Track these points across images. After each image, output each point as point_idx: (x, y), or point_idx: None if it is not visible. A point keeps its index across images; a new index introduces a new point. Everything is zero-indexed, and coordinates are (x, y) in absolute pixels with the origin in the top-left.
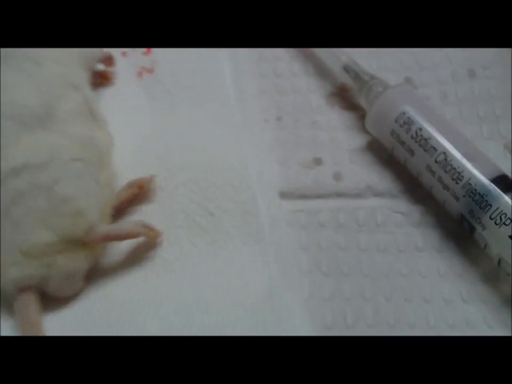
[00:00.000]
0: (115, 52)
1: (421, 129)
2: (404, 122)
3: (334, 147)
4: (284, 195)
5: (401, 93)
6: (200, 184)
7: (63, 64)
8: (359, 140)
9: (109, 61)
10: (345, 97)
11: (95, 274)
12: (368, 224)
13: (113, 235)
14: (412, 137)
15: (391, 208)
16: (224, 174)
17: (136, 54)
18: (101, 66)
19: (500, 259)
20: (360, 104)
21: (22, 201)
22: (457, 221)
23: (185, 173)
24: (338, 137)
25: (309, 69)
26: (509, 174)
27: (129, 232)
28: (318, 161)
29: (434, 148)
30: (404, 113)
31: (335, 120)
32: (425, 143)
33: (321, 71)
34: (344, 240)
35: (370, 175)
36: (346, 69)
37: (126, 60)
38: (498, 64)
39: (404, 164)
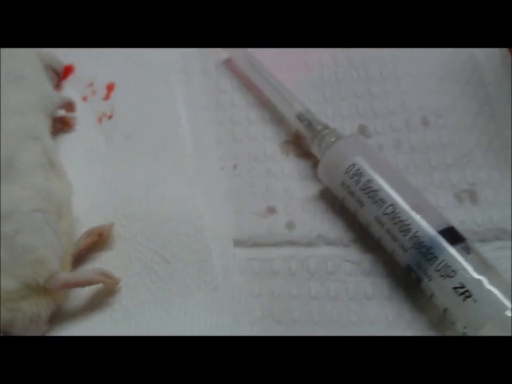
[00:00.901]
0: (75, 97)
1: (370, 180)
2: (354, 174)
3: (288, 196)
4: (238, 243)
5: (352, 144)
6: (157, 233)
7: (23, 113)
8: (312, 189)
9: (70, 106)
10: (300, 144)
11: (58, 317)
12: (319, 272)
13: (73, 282)
14: (361, 189)
15: (342, 256)
16: (179, 223)
17: (96, 99)
18: (62, 112)
19: (445, 309)
20: (313, 152)
21: None
22: (406, 271)
23: (142, 221)
24: (291, 186)
25: (265, 117)
26: (457, 223)
27: (89, 280)
28: (271, 210)
29: (382, 200)
30: (354, 164)
31: (289, 168)
32: (374, 194)
33: (277, 119)
34: (295, 288)
35: (322, 224)
36: (300, 117)
37: (87, 105)
38: (451, 112)
39: (354, 213)
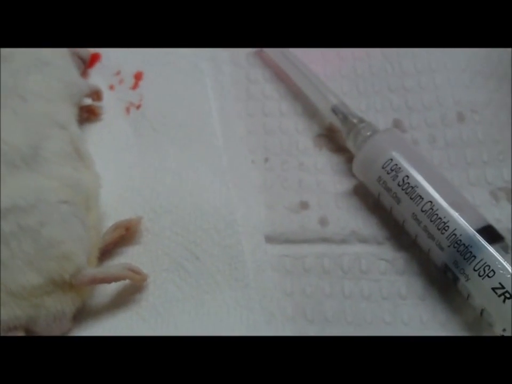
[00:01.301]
0: (102, 86)
1: (408, 176)
2: (391, 169)
3: (321, 191)
4: (270, 239)
5: (389, 139)
6: (186, 228)
7: (49, 100)
8: (346, 184)
9: (96, 95)
10: (334, 138)
11: (83, 315)
12: (353, 270)
13: (100, 278)
14: (398, 185)
15: (376, 255)
16: (210, 217)
17: (123, 88)
18: (88, 101)
19: (482, 310)
20: (348, 147)
21: (9, 244)
22: (441, 270)
23: (171, 215)
24: (325, 181)
25: (298, 109)
26: (494, 222)
27: (116, 276)
28: (304, 205)
29: (420, 196)
30: (391, 159)
31: (322, 163)
32: (411, 191)
33: (310, 112)
34: (329, 287)
35: (356, 220)
36: (335, 110)
37: (114, 94)
38: (487, 108)
39: (390, 210)
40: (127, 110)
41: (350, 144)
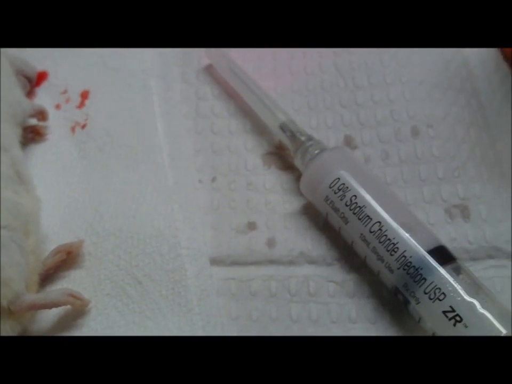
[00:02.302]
0: (48, 105)
1: (355, 196)
2: (338, 189)
3: (269, 211)
4: (215, 262)
5: (337, 157)
6: (129, 251)
7: None
8: (295, 203)
9: (41, 115)
10: (283, 156)
11: None
12: (301, 293)
13: (39, 304)
14: (346, 205)
15: (324, 276)
16: (153, 240)
17: (70, 107)
18: (33, 121)
19: (433, 333)
20: (296, 165)
21: None
22: (392, 293)
23: (114, 238)
24: (273, 200)
25: (247, 127)
26: (448, 241)
27: (56, 302)
28: (251, 226)
29: (369, 216)
30: (339, 178)
31: (271, 182)
32: (359, 211)
33: (259, 129)
34: (275, 311)
35: (304, 241)
36: (283, 128)
37: (60, 113)
38: (443, 122)
39: (339, 230)
40: (73, 129)
41: (298, 163)
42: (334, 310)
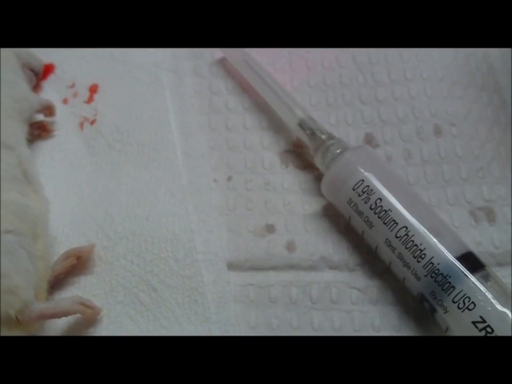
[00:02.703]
0: (55, 100)
1: (381, 199)
2: (363, 191)
3: (288, 212)
4: (232, 267)
5: (361, 157)
6: (142, 256)
7: None
8: (315, 205)
9: (48, 110)
10: (301, 155)
11: None
12: (322, 300)
13: (49, 314)
14: (370, 208)
15: (347, 283)
16: (168, 245)
17: (78, 102)
18: (40, 117)
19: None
20: (316, 164)
21: None
22: (418, 300)
23: (126, 242)
24: (292, 201)
25: (263, 123)
26: (473, 245)
27: (66, 311)
28: (270, 229)
29: (395, 221)
30: (363, 180)
31: (289, 182)
32: (385, 215)
33: (276, 126)
34: (296, 319)
35: (325, 245)
36: (302, 125)
37: (67, 109)
38: (465, 120)
39: (362, 235)
40: (81, 125)
41: (318, 162)
42: (357, 318)
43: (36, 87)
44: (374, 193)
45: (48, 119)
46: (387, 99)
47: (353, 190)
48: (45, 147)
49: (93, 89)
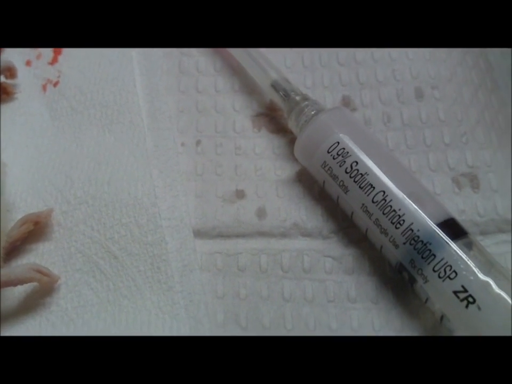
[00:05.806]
0: (18, 62)
1: (357, 162)
2: (338, 154)
3: (259, 178)
4: (199, 234)
5: (336, 118)
6: (103, 222)
7: None
8: (287, 170)
9: (9, 72)
10: (274, 118)
11: None
12: (294, 269)
13: (4, 281)
14: (346, 172)
15: (320, 251)
16: (130, 210)
17: (41, 64)
18: (1, 78)
19: (442, 315)
20: (290, 128)
21: None
22: (396, 270)
23: (86, 207)
24: (264, 166)
25: (235, 85)
26: (456, 213)
27: (21, 278)
28: (240, 194)
29: (371, 185)
30: (338, 142)
31: (262, 146)
32: (361, 179)
33: (248, 88)
34: (266, 288)
35: (298, 211)
36: (275, 86)
37: (30, 71)
38: (448, 83)
39: (337, 200)
40: (44, 87)
41: (292, 125)
42: (331, 288)
43: None
44: (350, 155)
45: (9, 81)
46: (366, 61)
47: (328, 152)
48: (5, 110)
49: (57, 51)
